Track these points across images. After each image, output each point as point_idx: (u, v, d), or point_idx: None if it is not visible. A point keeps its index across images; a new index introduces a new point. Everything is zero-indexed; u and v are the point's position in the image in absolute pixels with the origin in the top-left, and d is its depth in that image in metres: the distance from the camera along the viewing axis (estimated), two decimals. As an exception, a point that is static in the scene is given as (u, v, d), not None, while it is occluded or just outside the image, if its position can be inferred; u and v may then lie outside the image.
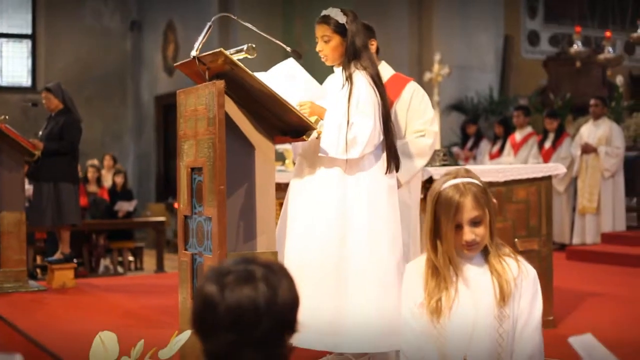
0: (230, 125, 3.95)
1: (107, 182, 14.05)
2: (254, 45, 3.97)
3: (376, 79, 4.34)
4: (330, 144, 4.20)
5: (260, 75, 4.26)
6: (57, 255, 8.45)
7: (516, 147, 12.08)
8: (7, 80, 18.51)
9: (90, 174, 13.75)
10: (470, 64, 14.73)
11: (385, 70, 5.03)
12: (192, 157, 4.06)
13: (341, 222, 4.22)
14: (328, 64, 4.51)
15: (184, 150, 4.16)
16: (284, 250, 4.31)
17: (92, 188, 13.57)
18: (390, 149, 4.36)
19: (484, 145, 13.02)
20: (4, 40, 18.49)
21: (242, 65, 3.82)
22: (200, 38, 4.01)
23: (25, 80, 18.65)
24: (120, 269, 13.09)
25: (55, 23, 18.39)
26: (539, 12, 16.62)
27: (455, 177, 3.02)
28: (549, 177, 6.15)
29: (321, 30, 4.42)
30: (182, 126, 4.19)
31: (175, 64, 4.32)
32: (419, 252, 4.71)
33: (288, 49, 4.39)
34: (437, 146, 5.19)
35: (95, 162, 14.80)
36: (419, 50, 14.38)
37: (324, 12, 4.40)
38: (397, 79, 5.08)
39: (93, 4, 18.87)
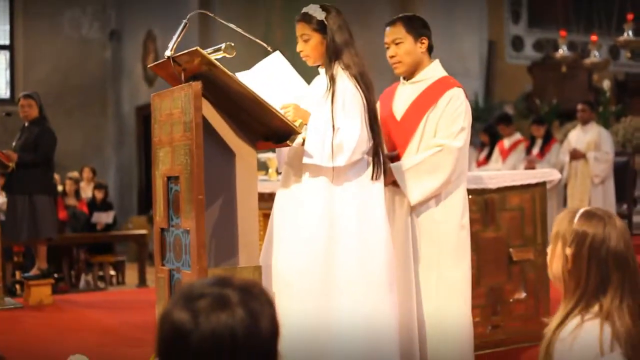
0: (208, 130, 3.69)
1: (87, 194, 13.75)
2: (232, 44, 3.71)
3: (360, 78, 4.05)
4: (314, 150, 3.93)
5: (242, 75, 4.02)
6: (34, 271, 8.15)
7: (505, 154, 11.89)
8: (-14, 91, 18.21)
9: (69, 186, 13.45)
10: (454, 70, 14.43)
11: (434, 72, 4.56)
12: (168, 165, 3.78)
13: (328, 232, 3.96)
14: (310, 64, 4.23)
15: (159, 158, 3.88)
16: (271, 262, 4.05)
17: (71, 201, 13.27)
18: (377, 153, 4.08)
19: (470, 152, 12.80)
20: (-19, 51, 18.19)
21: (220, 65, 3.56)
22: (175, 37, 3.74)
23: (3, 91, 18.33)
24: (101, 284, 12.77)
25: (34, 33, 18.09)
26: (523, 17, 16.44)
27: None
28: (544, 184, 5.93)
29: (300, 29, 4.16)
30: (157, 132, 3.92)
31: (149, 65, 4.05)
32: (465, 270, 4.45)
33: (269, 48, 4.14)
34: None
35: (75, 174, 14.51)
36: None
37: (304, 10, 4.14)
38: (441, 84, 4.52)
39: (72, 14, 18.58)
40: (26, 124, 8.26)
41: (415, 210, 4.39)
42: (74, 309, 7.75)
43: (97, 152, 18.62)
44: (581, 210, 2.58)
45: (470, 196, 5.49)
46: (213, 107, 3.72)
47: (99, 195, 13.24)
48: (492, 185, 5.64)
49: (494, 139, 12.27)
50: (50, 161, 8.11)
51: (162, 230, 3.88)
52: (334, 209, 3.99)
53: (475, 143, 13.21)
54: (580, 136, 11.20)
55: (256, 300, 1.74)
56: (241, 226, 3.76)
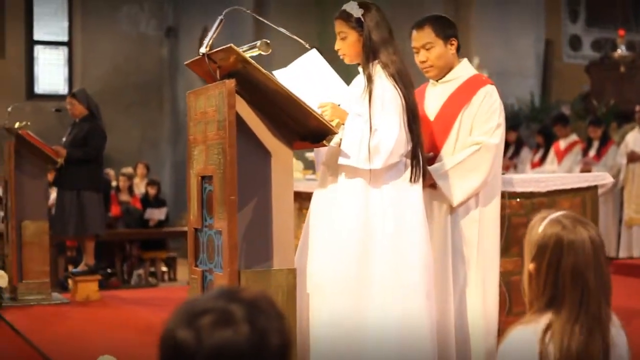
0: (243, 129, 3.61)
1: (140, 190, 13.83)
2: (267, 41, 3.62)
3: (398, 78, 3.94)
4: (351, 151, 3.84)
5: (279, 73, 3.95)
6: (81, 267, 8.18)
7: (560, 155, 11.66)
8: (44, 88, 18.36)
9: (122, 182, 13.54)
10: (510, 69, 14.31)
11: (464, 71, 4.52)
12: (202, 164, 3.71)
13: (363, 235, 3.88)
14: (347, 62, 4.14)
15: (193, 156, 3.82)
16: (305, 265, 3.97)
17: (124, 197, 13.35)
18: (415, 155, 3.98)
19: (525, 153, 12.61)
20: (40, 47, 18.35)
21: (254, 62, 3.48)
22: (211, 33, 3.67)
23: (62, 88, 18.48)
24: (153, 280, 12.82)
25: (92, 30, 18.24)
26: (581, 15, 16.13)
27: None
28: (595, 187, 5.75)
29: (338, 27, 4.07)
30: (191, 130, 3.85)
31: (185, 62, 3.99)
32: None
33: (307, 45, 4.05)
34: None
35: (129, 170, 14.59)
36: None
37: (343, 7, 4.06)
38: (473, 82, 4.48)
39: (129, 10, 18.69)
40: (77, 120, 8.29)
41: (454, 211, 4.31)
42: (120, 306, 7.76)
43: (153, 148, 18.73)
44: (547, 219, 2.41)
45: (517, 199, 5.38)
46: (249, 105, 3.64)
47: (152, 191, 13.31)
48: (542, 188, 5.50)
49: (549, 140, 12.03)
50: (99, 158, 8.13)
51: (196, 230, 3.81)
52: (369, 212, 3.90)
53: (531, 144, 12.99)
54: (638, 138, 10.94)
55: (263, 315, 1.65)
56: (276, 228, 3.68)
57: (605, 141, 11.41)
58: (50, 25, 18.45)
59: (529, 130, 13.88)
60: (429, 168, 4.23)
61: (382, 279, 3.87)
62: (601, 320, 2.34)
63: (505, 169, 12.29)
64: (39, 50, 18.35)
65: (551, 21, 15.46)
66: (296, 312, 3.69)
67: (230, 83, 3.44)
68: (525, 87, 14.46)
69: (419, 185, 4.00)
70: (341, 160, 3.87)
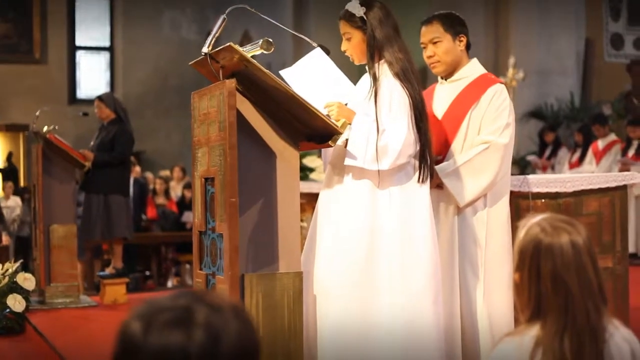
0: (247, 130, 3.53)
1: (176, 193, 13.84)
2: (270, 40, 3.54)
3: (403, 76, 3.83)
4: (358, 152, 3.74)
5: (284, 72, 3.87)
6: (109, 270, 8.18)
7: (599, 156, 11.43)
8: (86, 92, 18.44)
9: (159, 185, 13.56)
10: (549, 68, 14.11)
11: (473, 70, 4.43)
12: (205, 166, 3.64)
13: (369, 238, 3.79)
14: (356, 63, 4.05)
15: (197, 158, 3.75)
16: (311, 268, 3.89)
17: (160, 200, 13.38)
18: (424, 155, 3.87)
19: (563, 153, 12.40)
20: (82, 52, 18.48)
21: (255, 62, 3.40)
22: (214, 32, 3.60)
23: (103, 92, 18.58)
24: (189, 282, 12.82)
25: (133, 35, 18.31)
26: (623, 13, 15.82)
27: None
28: (624, 187, 5.57)
29: (342, 27, 4.00)
30: (195, 132, 3.79)
31: (190, 62, 3.93)
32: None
33: (314, 44, 3.97)
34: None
35: (166, 172, 14.62)
36: (495, 53, 13.79)
37: (346, 7, 3.98)
38: (482, 81, 4.39)
39: (171, 15, 18.74)
40: (104, 124, 8.29)
41: (461, 212, 4.20)
42: (147, 309, 7.72)
43: (193, 151, 18.75)
44: (530, 222, 2.27)
45: (543, 200, 5.23)
46: (253, 106, 3.56)
47: (189, 194, 13.30)
48: (568, 188, 5.32)
49: (588, 139, 11.82)
50: (126, 161, 8.12)
51: (200, 233, 3.74)
52: (376, 214, 3.81)
53: (570, 144, 12.79)
54: (678, 137, 10.71)
55: (225, 322, 1.57)
56: (282, 230, 3.60)
57: (644, 141, 11.17)
58: (92, 30, 18.56)
59: (569, 130, 13.66)
60: (436, 167, 4.13)
61: (389, 281, 3.78)
62: (593, 330, 2.20)
63: (543, 169, 12.10)
64: (80, 56, 18.48)
65: (592, 20, 15.21)
66: (303, 315, 3.61)
67: (231, 83, 3.37)
68: (564, 87, 14.25)
69: (426, 187, 3.90)
70: (348, 161, 3.78)
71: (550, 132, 12.69)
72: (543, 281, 2.21)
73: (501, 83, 4.41)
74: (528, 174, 7.17)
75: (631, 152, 11.13)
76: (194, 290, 1.66)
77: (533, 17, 14.19)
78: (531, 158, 12.52)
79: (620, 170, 10.53)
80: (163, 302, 1.59)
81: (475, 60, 4.45)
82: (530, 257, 2.22)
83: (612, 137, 11.57)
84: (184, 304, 1.58)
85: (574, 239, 2.22)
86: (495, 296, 4.20)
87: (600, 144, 11.52)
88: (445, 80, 4.46)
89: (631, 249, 8.65)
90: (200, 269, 3.74)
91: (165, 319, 1.55)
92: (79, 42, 18.35)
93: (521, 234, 2.28)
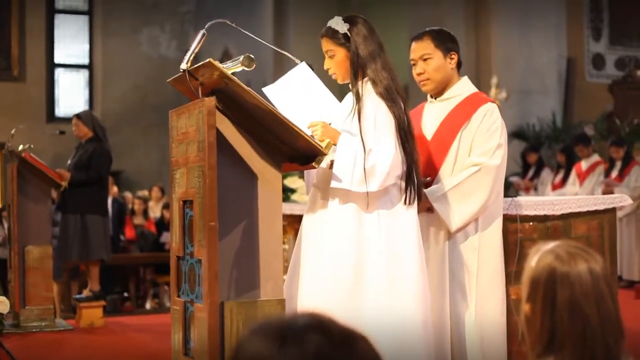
0: (228, 150, 3.39)
1: (155, 214, 13.65)
2: (251, 55, 3.41)
3: (387, 96, 3.69)
4: (344, 173, 3.60)
5: (268, 89, 3.73)
6: (86, 293, 7.97)
7: (582, 177, 11.35)
8: (65, 110, 18.26)
9: (137, 205, 13.38)
10: (530, 87, 14.03)
11: (464, 88, 4.30)
12: (184, 187, 3.49)
13: (355, 262, 3.65)
14: (339, 81, 3.91)
15: (175, 180, 3.60)
16: (295, 293, 3.74)
17: (139, 220, 13.19)
18: (410, 176, 3.72)
19: (546, 174, 12.30)
20: (61, 70, 18.33)
21: (235, 79, 3.26)
22: (192, 47, 3.46)
23: (82, 110, 18.40)
24: (168, 304, 12.61)
25: (112, 52, 18.19)
26: (604, 33, 15.79)
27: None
28: (613, 210, 5.46)
29: (324, 45, 3.87)
30: (173, 152, 3.64)
31: (168, 80, 3.79)
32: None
33: (297, 61, 3.83)
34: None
35: (145, 193, 14.44)
36: (476, 72, 13.67)
37: (328, 23, 3.84)
38: (473, 100, 4.25)
39: (150, 32, 18.63)
40: (82, 142, 8.12)
41: (452, 237, 4.06)
42: (124, 332, 7.54)
43: (172, 171, 18.58)
44: (540, 251, 2.12)
45: (531, 223, 5.11)
46: (233, 125, 3.42)
47: (168, 214, 13.12)
48: (556, 211, 5.20)
49: (571, 160, 11.73)
50: (103, 180, 7.93)
51: (178, 258, 3.58)
52: (363, 238, 3.67)
53: (552, 165, 12.69)
54: (663, 158, 10.65)
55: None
56: (263, 256, 3.45)
57: (627, 162, 11.07)
58: (70, 47, 18.42)
59: (551, 150, 13.57)
60: (425, 191, 3.99)
61: (376, 307, 3.64)
62: None
63: (526, 190, 11.99)
64: (59, 73, 18.31)
65: (573, 39, 15.16)
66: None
67: (210, 101, 3.22)
68: (546, 107, 14.16)
69: (414, 209, 3.75)
70: (334, 184, 3.63)
71: (532, 152, 12.59)
72: (558, 312, 2.04)
73: (492, 102, 4.28)
74: (511, 195, 7.08)
75: (614, 173, 11.05)
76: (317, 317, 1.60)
77: (513, 36, 14.13)
78: (514, 179, 12.42)
79: (604, 192, 10.44)
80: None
81: (466, 79, 4.33)
82: (544, 286, 2.06)
83: (596, 157, 11.49)
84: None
85: (592, 266, 2.07)
86: (488, 321, 4.07)
87: (584, 164, 11.44)
88: (435, 98, 4.33)
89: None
90: (178, 296, 3.58)
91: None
92: (57, 59, 18.22)
93: (532, 262, 2.11)
